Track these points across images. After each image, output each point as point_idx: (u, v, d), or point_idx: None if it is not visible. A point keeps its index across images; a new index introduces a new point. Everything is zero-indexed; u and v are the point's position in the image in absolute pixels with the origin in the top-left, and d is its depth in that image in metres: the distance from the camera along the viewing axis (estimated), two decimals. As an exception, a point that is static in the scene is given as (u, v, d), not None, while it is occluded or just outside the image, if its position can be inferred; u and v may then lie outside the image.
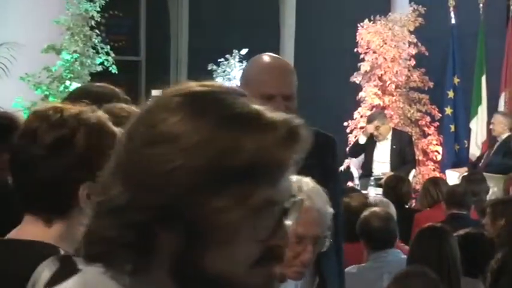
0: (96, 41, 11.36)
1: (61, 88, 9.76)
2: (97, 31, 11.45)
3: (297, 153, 1.20)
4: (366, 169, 9.48)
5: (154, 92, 11.68)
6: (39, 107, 2.07)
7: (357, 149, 9.99)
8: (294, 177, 2.66)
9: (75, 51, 10.93)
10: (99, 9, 11.39)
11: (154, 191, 1.17)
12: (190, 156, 1.16)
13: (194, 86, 1.24)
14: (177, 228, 1.18)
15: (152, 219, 1.17)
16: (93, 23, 11.36)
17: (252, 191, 1.18)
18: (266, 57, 3.41)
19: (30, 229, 1.96)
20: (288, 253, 2.51)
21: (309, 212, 2.55)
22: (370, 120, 10.19)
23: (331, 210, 2.69)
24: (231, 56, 12.39)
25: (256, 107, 1.23)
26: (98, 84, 3.52)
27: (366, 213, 5.18)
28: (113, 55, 11.52)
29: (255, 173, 1.18)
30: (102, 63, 11.21)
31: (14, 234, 2.03)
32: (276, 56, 3.49)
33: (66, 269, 1.73)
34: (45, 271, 1.83)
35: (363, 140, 10.24)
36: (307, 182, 2.65)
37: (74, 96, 3.11)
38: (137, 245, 1.19)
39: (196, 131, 1.17)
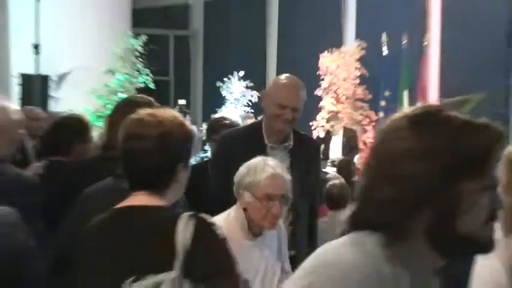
0: (139, 66, 11.46)
1: (115, 99, 9.85)
2: (140, 59, 11.54)
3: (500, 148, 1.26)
4: (324, 154, 9.48)
5: (180, 101, 11.77)
6: (134, 115, 1.97)
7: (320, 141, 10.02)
8: (260, 157, 2.73)
9: (125, 73, 11.03)
10: (141, 44, 11.48)
11: (416, 186, 1.22)
12: (441, 157, 1.20)
13: (417, 109, 1.29)
14: (434, 208, 1.22)
15: (414, 205, 1.22)
16: (137, 53, 11.44)
17: (483, 175, 1.23)
18: (285, 77, 3.37)
19: (141, 199, 1.88)
20: (262, 209, 2.60)
21: (276, 178, 2.63)
22: (328, 121, 10.28)
23: (289, 177, 2.70)
24: (232, 76, 12.45)
25: (465, 116, 1.28)
26: (138, 95, 3.46)
27: (329, 184, 5.20)
28: (151, 76, 11.63)
29: (485, 161, 1.23)
30: (143, 82, 11.32)
31: (128, 202, 1.93)
32: (293, 76, 3.44)
33: (201, 223, 1.80)
34: (189, 224, 1.77)
35: (322, 134, 10.36)
36: (271, 159, 2.75)
37: (123, 104, 3.16)
38: (398, 224, 1.24)
39: (438, 139, 1.22)
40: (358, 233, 1.30)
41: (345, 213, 4.58)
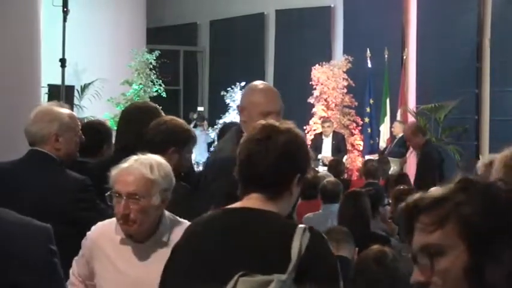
0: (153, 77, 11.44)
1: (132, 106, 9.85)
2: (154, 71, 11.52)
3: None
4: (316, 155, 9.50)
5: (199, 108, 11.83)
6: (262, 121, 1.83)
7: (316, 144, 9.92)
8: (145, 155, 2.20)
9: (140, 84, 11.00)
10: (155, 58, 11.46)
11: None
12: None
13: None
14: None
15: None
16: (151, 66, 11.43)
17: None
18: (259, 84, 2.98)
19: (256, 202, 1.73)
20: (116, 210, 2.22)
21: (124, 172, 2.16)
22: (323, 122, 10.21)
23: (154, 175, 2.18)
24: (235, 86, 12.43)
25: None
26: (144, 101, 3.50)
27: (324, 180, 5.20)
28: (163, 86, 11.61)
29: None
30: (157, 91, 11.29)
31: (243, 204, 1.77)
32: (265, 82, 3.25)
33: (317, 235, 1.68)
34: (305, 234, 1.64)
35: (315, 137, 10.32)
36: (152, 156, 2.24)
37: (131, 108, 3.21)
38: None
39: None
40: None
41: (337, 206, 4.66)
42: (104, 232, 2.26)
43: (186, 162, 2.97)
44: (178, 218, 2.27)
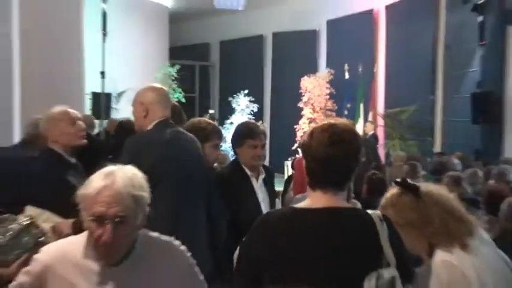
0: (174, 86, 11.51)
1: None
2: (175, 82, 11.60)
3: None
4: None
5: (210, 111, 11.89)
6: (316, 125, 1.55)
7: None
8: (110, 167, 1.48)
9: (164, 91, 11.08)
10: (176, 71, 11.54)
11: None
12: None
13: None
14: None
15: None
16: (173, 77, 11.51)
17: None
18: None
19: (322, 199, 1.48)
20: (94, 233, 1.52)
21: (104, 191, 1.44)
22: (310, 123, 10.25)
23: (130, 192, 1.47)
24: (239, 93, 12.48)
25: None
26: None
27: None
28: (182, 93, 11.68)
29: None
30: (177, 98, 11.34)
31: (309, 203, 1.50)
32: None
33: (390, 222, 1.47)
34: (383, 224, 1.44)
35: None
36: (126, 167, 1.53)
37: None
38: None
39: None
40: None
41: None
42: (64, 255, 1.51)
43: (209, 157, 2.60)
44: (153, 233, 1.59)
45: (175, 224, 2.16)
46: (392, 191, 1.73)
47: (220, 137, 2.65)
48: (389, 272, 1.37)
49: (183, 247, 1.62)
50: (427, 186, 1.71)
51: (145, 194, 1.50)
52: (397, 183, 1.71)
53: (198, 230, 2.32)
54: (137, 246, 1.53)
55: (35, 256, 1.54)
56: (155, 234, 1.59)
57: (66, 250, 1.52)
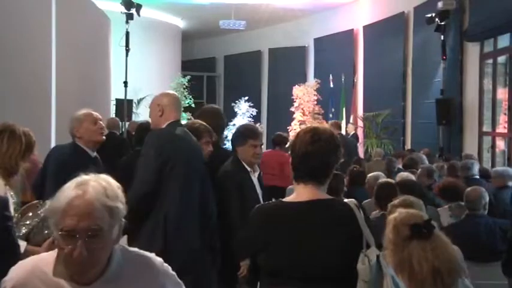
0: (186, 94, 11.52)
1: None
2: (186, 90, 11.60)
3: None
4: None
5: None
6: (302, 128, 1.58)
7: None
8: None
9: (177, 98, 11.07)
10: (187, 80, 11.55)
11: None
12: None
13: None
14: None
15: None
16: (184, 86, 11.51)
17: None
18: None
19: (305, 192, 1.47)
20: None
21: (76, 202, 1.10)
22: (300, 125, 10.23)
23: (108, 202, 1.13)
24: (240, 99, 12.50)
25: None
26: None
27: None
28: (192, 100, 11.68)
29: None
30: (188, 103, 11.35)
31: (295, 197, 1.49)
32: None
33: (363, 208, 1.46)
34: (359, 210, 1.43)
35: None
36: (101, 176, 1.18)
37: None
38: None
39: None
40: None
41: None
42: (33, 274, 1.16)
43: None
44: (131, 249, 1.23)
45: (182, 199, 2.24)
46: (404, 229, 1.56)
47: (211, 135, 2.61)
48: (373, 252, 1.34)
49: (165, 264, 1.24)
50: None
51: (121, 205, 1.13)
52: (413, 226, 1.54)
53: (193, 208, 2.31)
54: (112, 263, 1.16)
55: (5, 278, 1.18)
56: (133, 249, 1.23)
57: (36, 268, 1.16)
